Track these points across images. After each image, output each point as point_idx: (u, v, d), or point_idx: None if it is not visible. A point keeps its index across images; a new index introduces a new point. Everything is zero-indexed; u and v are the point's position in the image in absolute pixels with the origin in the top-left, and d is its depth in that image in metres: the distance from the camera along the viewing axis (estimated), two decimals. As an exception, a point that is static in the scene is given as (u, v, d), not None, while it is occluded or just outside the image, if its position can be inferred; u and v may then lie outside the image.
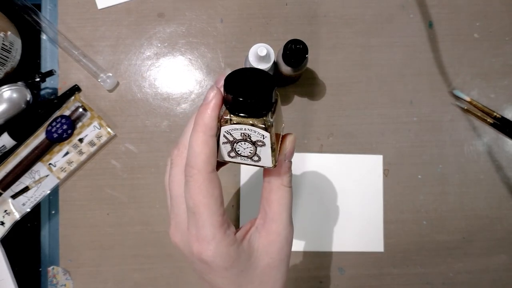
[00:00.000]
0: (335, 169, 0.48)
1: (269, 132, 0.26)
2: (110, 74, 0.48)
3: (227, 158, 0.29)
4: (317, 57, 0.49)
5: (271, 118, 0.26)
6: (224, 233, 0.28)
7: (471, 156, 0.49)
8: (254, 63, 0.40)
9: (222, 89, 0.27)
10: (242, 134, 0.26)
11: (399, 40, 0.50)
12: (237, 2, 0.49)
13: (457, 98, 0.49)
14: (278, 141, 0.29)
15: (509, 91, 0.50)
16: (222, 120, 0.26)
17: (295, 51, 0.40)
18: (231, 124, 0.26)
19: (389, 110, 0.49)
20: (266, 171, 0.31)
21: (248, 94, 0.25)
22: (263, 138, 0.26)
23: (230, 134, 0.27)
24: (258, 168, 0.30)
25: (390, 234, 0.48)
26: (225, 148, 0.28)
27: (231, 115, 0.26)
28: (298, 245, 0.48)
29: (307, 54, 0.40)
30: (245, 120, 0.26)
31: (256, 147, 0.27)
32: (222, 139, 0.27)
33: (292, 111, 0.49)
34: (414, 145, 0.49)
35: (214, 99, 0.26)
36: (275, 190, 0.31)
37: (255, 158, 0.28)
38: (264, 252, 0.30)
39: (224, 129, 0.26)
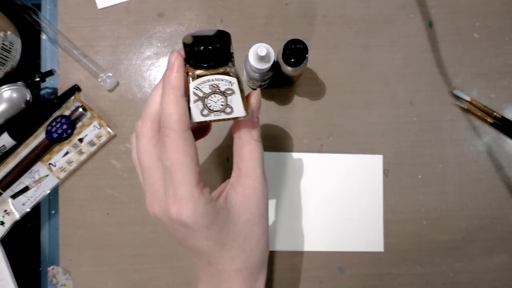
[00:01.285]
0: (335, 169, 0.48)
1: (236, 78, 0.28)
2: (110, 74, 0.48)
3: (200, 118, 0.29)
4: (317, 57, 0.49)
5: (233, 67, 0.28)
6: (201, 191, 0.28)
7: (471, 156, 0.49)
8: (254, 63, 0.40)
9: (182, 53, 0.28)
10: (211, 86, 0.28)
11: (399, 40, 0.50)
12: (237, 2, 0.49)
13: (457, 98, 0.49)
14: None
15: (509, 91, 0.50)
16: (189, 77, 0.27)
17: (295, 51, 0.40)
18: (198, 78, 0.27)
19: (389, 110, 0.49)
20: (236, 128, 0.32)
21: (208, 43, 0.26)
22: (231, 85, 0.28)
23: (199, 89, 0.28)
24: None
25: (390, 234, 0.48)
26: (197, 107, 0.29)
27: (196, 70, 0.27)
28: (298, 245, 0.48)
29: (307, 54, 0.40)
30: (211, 70, 0.27)
31: (226, 97, 0.28)
32: (192, 98, 0.28)
33: (292, 111, 0.49)
34: (414, 145, 0.49)
35: (176, 60, 0.28)
36: (246, 144, 0.31)
37: (228, 110, 0.29)
38: (243, 208, 0.31)
39: (192, 85, 0.28)
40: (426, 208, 0.49)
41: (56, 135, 0.46)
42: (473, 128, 0.50)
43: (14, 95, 0.44)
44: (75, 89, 0.48)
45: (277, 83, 0.48)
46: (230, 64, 0.28)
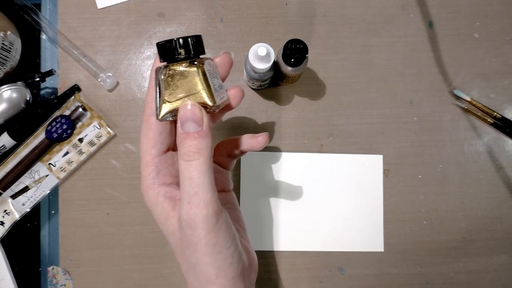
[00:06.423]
0: (335, 169, 0.48)
1: (156, 75, 0.28)
2: (110, 74, 0.48)
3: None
4: (317, 57, 0.49)
5: (170, 68, 0.28)
6: (148, 173, 0.30)
7: (471, 156, 0.49)
8: (254, 63, 0.40)
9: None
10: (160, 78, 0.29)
11: (399, 40, 0.50)
12: (237, 2, 0.49)
13: (457, 98, 0.49)
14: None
15: (509, 91, 0.50)
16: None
17: (295, 51, 0.40)
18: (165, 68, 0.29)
19: (389, 110, 0.49)
20: None
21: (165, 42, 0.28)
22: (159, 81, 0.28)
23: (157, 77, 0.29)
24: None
25: (390, 234, 0.48)
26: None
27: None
28: (298, 245, 0.48)
29: (307, 54, 0.40)
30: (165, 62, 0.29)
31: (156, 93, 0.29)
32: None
33: (292, 111, 0.49)
34: (414, 145, 0.49)
35: (156, 57, 0.30)
36: (178, 162, 0.28)
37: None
38: (185, 222, 0.28)
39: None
40: (426, 208, 0.49)
41: (56, 135, 0.46)
42: (473, 128, 0.49)
43: (14, 95, 0.44)
44: (75, 89, 0.48)
45: (277, 83, 0.48)
46: (168, 65, 0.28)
